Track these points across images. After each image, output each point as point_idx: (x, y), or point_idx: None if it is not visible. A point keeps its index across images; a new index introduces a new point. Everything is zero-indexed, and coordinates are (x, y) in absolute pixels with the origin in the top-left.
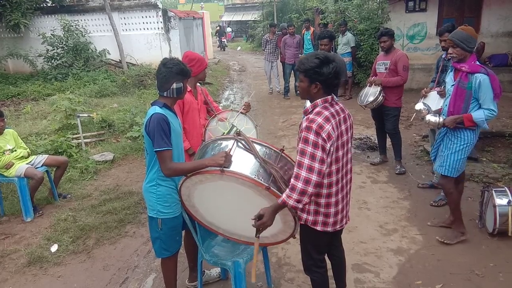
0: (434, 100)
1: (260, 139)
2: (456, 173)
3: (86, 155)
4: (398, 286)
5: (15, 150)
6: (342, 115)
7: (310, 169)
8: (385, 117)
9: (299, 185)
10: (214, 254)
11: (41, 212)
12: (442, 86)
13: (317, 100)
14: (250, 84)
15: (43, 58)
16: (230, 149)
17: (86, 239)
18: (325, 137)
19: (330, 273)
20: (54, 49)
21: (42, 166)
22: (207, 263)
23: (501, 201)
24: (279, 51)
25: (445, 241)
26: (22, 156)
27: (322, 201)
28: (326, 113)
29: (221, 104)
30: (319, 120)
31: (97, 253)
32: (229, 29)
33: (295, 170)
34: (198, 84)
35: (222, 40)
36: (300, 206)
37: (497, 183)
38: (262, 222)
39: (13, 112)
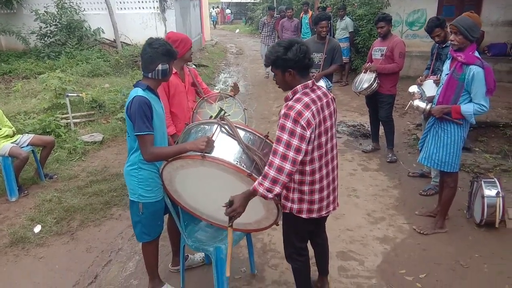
0: (430, 88)
1: (247, 124)
2: (451, 167)
3: (75, 136)
4: (381, 275)
5: (0, 129)
6: (324, 100)
7: (284, 157)
8: (379, 104)
9: (272, 173)
10: (197, 239)
11: (26, 192)
12: (438, 75)
13: (297, 86)
14: (246, 67)
15: (36, 36)
16: (213, 134)
17: (70, 220)
18: (304, 125)
19: (313, 260)
20: (47, 27)
21: (27, 145)
22: (189, 248)
23: (489, 192)
24: (277, 34)
25: (421, 231)
26: (7, 135)
27: (306, 188)
28: (306, 99)
29: (216, 88)
30: (298, 107)
31: (81, 235)
32: (228, 11)
33: (270, 158)
34: (187, 65)
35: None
36: (270, 195)
37: (488, 174)
38: (232, 208)
39: (3, 90)
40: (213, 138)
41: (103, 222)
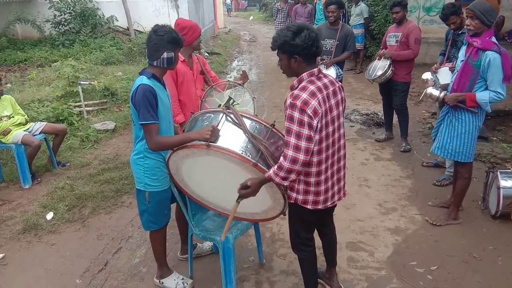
0: (445, 76)
1: (256, 113)
2: (465, 157)
3: (87, 124)
4: (392, 266)
5: (13, 117)
6: (331, 89)
7: (296, 148)
8: (393, 92)
9: (286, 164)
10: (204, 229)
11: (39, 179)
12: (454, 62)
13: (303, 74)
14: (259, 55)
15: (51, 24)
16: (218, 123)
17: (82, 208)
18: (311, 114)
19: (321, 250)
20: (61, 15)
21: (40, 133)
22: (197, 237)
23: (506, 183)
24: (291, 20)
25: (434, 222)
26: (19, 123)
27: (312, 179)
28: (312, 87)
29: (228, 75)
30: (304, 96)
31: (92, 222)
32: None
33: (284, 150)
34: (199, 53)
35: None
36: (286, 183)
37: (505, 164)
38: (247, 192)
39: (19, 78)
40: (219, 127)
41: (114, 210)
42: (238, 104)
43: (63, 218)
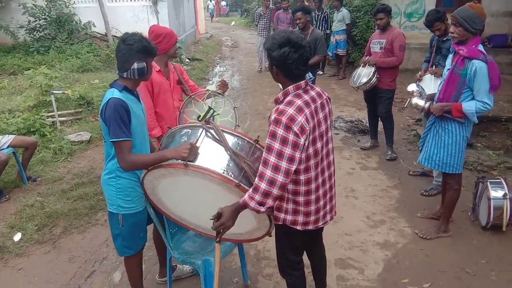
0: (429, 84)
1: (238, 122)
2: (453, 168)
3: (61, 135)
4: (383, 284)
5: None
6: (319, 101)
7: (276, 168)
8: (378, 99)
9: (263, 185)
10: (184, 251)
11: (7, 196)
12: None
13: (289, 87)
14: (241, 61)
15: (25, 30)
16: (197, 140)
17: (53, 227)
18: (298, 131)
19: (309, 269)
20: (36, 20)
21: (8, 147)
22: (176, 261)
23: (496, 193)
24: (273, 26)
25: (423, 236)
26: None
27: (301, 199)
28: (299, 102)
29: (210, 82)
30: (290, 111)
31: (64, 243)
32: (223, 3)
33: (260, 168)
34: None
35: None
36: (263, 209)
37: (492, 172)
38: (221, 222)
39: None
40: (198, 144)
41: (87, 229)
42: (218, 114)
43: (32, 239)
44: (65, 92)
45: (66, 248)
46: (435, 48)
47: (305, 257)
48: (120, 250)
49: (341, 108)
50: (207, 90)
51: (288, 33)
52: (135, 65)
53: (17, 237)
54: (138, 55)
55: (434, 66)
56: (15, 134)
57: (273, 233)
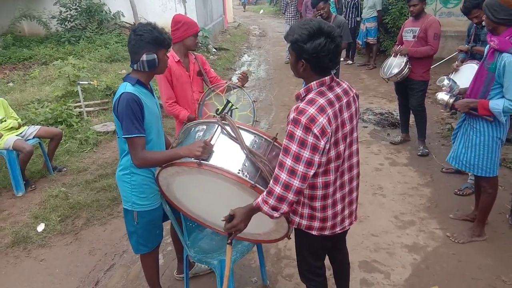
0: (466, 76)
1: (256, 116)
2: (484, 171)
3: (87, 125)
4: None
5: (5, 121)
6: (345, 100)
7: (292, 172)
8: (410, 91)
9: (278, 190)
10: (200, 250)
11: (33, 186)
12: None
13: (312, 83)
14: (268, 50)
15: (57, 20)
16: (212, 137)
17: (75, 218)
18: (318, 133)
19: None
20: (67, 11)
21: (34, 138)
22: (192, 259)
23: None
24: (300, 15)
25: (456, 240)
26: (12, 127)
27: (318, 204)
28: (322, 100)
29: (236, 72)
30: (311, 110)
31: (85, 235)
32: None
33: (275, 170)
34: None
35: None
36: (276, 215)
37: None
38: (233, 224)
39: (22, 77)
40: (212, 142)
41: (109, 221)
42: (237, 108)
43: (55, 230)
44: (91, 82)
45: (87, 240)
46: (473, 37)
47: (327, 260)
48: (135, 247)
49: (371, 100)
50: (227, 82)
51: (318, 22)
52: (144, 57)
53: (41, 227)
54: (148, 46)
55: (471, 56)
56: (43, 124)
57: (292, 236)
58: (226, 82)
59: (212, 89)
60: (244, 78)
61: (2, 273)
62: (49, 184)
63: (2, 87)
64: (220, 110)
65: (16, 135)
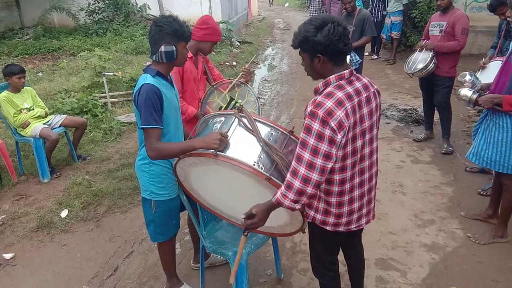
0: (494, 74)
1: (261, 114)
2: (506, 168)
3: (112, 116)
4: None
5: (33, 109)
6: (364, 95)
7: (310, 165)
8: (435, 88)
9: (297, 183)
10: (216, 241)
11: (58, 173)
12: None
13: (330, 77)
14: None
15: (85, 12)
16: (229, 129)
17: (97, 206)
18: (335, 127)
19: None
20: (95, 3)
21: (60, 126)
22: (207, 250)
23: None
24: (325, 8)
25: (477, 241)
26: (39, 116)
27: (333, 200)
28: (340, 94)
29: (258, 66)
30: (329, 104)
31: (106, 222)
32: None
33: (293, 164)
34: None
35: None
36: (298, 206)
37: None
38: (253, 222)
39: (51, 67)
40: (229, 134)
41: (129, 209)
42: (241, 105)
43: (78, 217)
44: (116, 74)
45: (108, 227)
46: (503, 33)
47: (341, 256)
48: (153, 236)
49: (395, 96)
50: (230, 79)
51: (318, 15)
52: (162, 48)
53: (64, 213)
54: (167, 37)
55: (501, 53)
56: (69, 113)
57: (306, 230)
58: (229, 79)
59: (215, 86)
60: (247, 74)
61: (26, 256)
62: (73, 172)
63: (32, 77)
64: (224, 107)
65: (43, 124)
